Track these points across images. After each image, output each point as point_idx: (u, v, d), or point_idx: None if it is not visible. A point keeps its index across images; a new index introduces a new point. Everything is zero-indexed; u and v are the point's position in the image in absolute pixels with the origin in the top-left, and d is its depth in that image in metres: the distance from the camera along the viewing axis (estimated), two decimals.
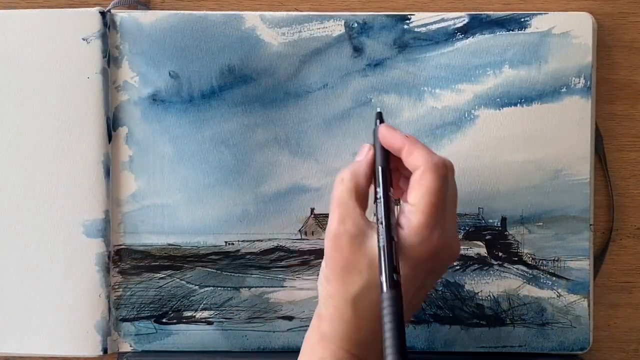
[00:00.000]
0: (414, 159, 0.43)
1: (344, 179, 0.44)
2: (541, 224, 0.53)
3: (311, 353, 0.44)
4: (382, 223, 0.41)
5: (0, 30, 0.52)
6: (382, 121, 0.46)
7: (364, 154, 0.45)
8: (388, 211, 0.42)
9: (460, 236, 0.53)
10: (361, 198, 0.43)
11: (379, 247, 0.41)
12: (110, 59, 0.53)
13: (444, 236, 0.42)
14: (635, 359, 0.55)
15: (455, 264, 0.53)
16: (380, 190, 0.43)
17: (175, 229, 0.53)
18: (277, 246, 0.53)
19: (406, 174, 0.45)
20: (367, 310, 0.42)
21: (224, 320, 0.53)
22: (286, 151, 0.53)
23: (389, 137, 0.44)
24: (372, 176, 0.44)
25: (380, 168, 0.44)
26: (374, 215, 0.43)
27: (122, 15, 0.53)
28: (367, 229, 0.42)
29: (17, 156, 0.52)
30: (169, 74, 0.53)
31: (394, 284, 0.39)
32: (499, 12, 0.53)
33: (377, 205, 0.43)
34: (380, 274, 0.40)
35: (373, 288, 0.41)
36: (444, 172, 0.43)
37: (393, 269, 0.40)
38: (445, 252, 0.43)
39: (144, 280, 0.53)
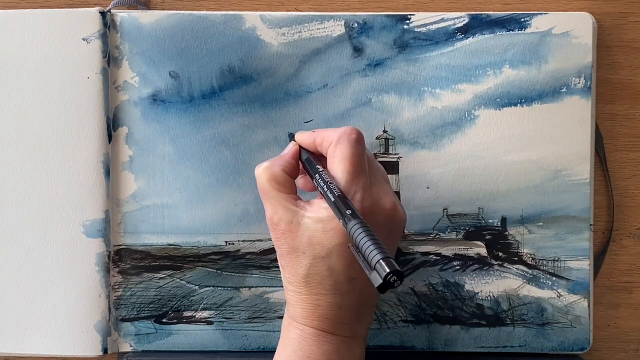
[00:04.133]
0: (327, 141, 0.45)
1: (260, 171, 0.46)
2: (541, 224, 0.53)
3: (284, 335, 0.47)
4: (325, 185, 0.43)
5: (0, 30, 0.52)
6: (292, 135, 0.49)
7: (287, 150, 0.48)
8: (328, 176, 0.44)
9: (461, 236, 0.53)
10: (280, 184, 0.45)
11: (329, 204, 0.42)
12: (110, 59, 0.53)
13: (370, 197, 0.44)
14: (635, 359, 0.55)
15: (455, 263, 0.53)
16: (314, 165, 0.46)
17: (175, 229, 0.53)
18: None
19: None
20: (320, 286, 0.44)
21: (224, 320, 0.53)
22: None
23: (300, 138, 0.48)
24: (292, 168, 0.47)
25: (305, 159, 0.47)
26: (319, 193, 0.44)
27: (122, 15, 0.53)
28: (299, 210, 0.44)
29: (17, 156, 0.52)
30: (169, 74, 0.53)
31: (355, 215, 0.40)
32: (499, 12, 0.53)
33: (315, 178, 0.44)
34: (340, 218, 0.41)
35: (318, 264, 0.44)
36: (355, 137, 0.45)
37: (349, 207, 0.41)
38: (378, 214, 0.44)
39: (144, 280, 0.53)
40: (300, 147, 0.48)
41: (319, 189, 0.44)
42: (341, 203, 0.42)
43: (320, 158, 0.47)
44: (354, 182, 0.44)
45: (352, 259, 0.42)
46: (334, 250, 0.43)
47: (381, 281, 0.37)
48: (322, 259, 0.43)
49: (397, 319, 0.53)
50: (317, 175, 0.44)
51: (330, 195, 0.42)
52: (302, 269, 0.44)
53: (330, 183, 0.43)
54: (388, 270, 0.37)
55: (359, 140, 0.45)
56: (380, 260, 0.37)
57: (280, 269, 0.46)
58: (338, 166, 0.44)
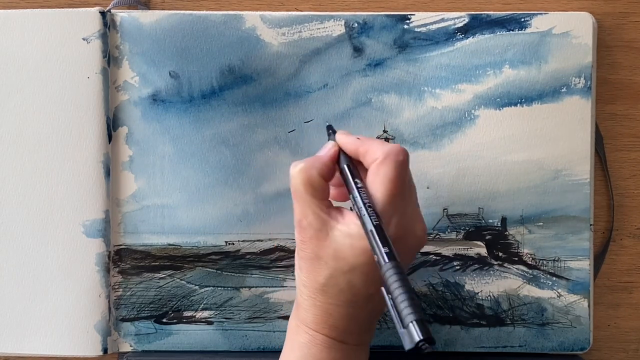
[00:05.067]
0: (371, 154, 0.44)
1: (297, 172, 0.44)
2: (541, 224, 0.53)
3: (292, 338, 0.46)
4: (364, 208, 0.42)
5: (0, 30, 0.52)
6: (334, 131, 0.47)
7: (325, 150, 0.46)
8: (367, 197, 0.42)
9: (460, 236, 0.53)
10: (315, 190, 0.43)
11: (365, 228, 0.41)
12: (110, 59, 0.53)
13: (405, 223, 0.43)
14: (635, 359, 0.55)
15: (455, 263, 0.53)
16: (351, 180, 0.44)
17: (175, 229, 0.53)
18: (277, 246, 0.53)
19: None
20: (336, 297, 0.43)
21: (224, 320, 0.53)
22: (286, 151, 0.53)
23: (344, 141, 0.46)
24: (329, 171, 0.45)
25: (345, 166, 0.45)
26: (350, 207, 0.43)
27: (122, 15, 0.53)
28: (330, 220, 0.43)
29: (17, 156, 0.52)
30: (169, 74, 0.53)
31: (392, 256, 0.39)
32: (499, 12, 0.53)
33: (353, 194, 0.43)
34: (375, 253, 0.40)
35: (339, 277, 0.43)
36: (401, 158, 0.43)
37: (387, 244, 0.40)
38: (408, 239, 0.44)
39: (144, 280, 0.53)
40: (340, 150, 0.46)
41: (355, 208, 0.42)
42: (378, 237, 0.40)
43: (358, 164, 0.45)
44: (393, 206, 0.42)
45: (373, 277, 0.42)
46: (358, 268, 0.42)
47: (412, 346, 0.35)
48: (344, 273, 0.43)
49: None
50: (355, 191, 0.43)
51: (367, 222, 0.41)
52: (321, 277, 0.43)
53: (368, 206, 0.41)
54: (422, 338, 0.35)
55: (405, 163, 0.43)
56: (414, 322, 0.36)
57: (297, 269, 0.45)
58: (379, 187, 0.42)
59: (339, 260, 0.43)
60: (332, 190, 0.47)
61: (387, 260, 0.39)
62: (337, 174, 0.46)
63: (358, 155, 0.45)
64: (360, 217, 0.42)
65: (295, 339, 0.45)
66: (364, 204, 0.42)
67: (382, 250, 0.39)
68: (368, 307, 0.44)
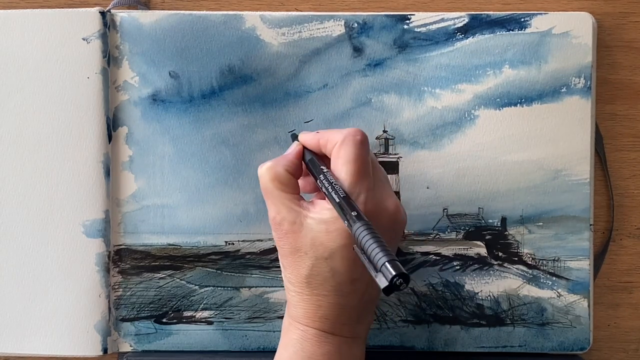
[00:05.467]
0: (331, 142, 0.45)
1: (263, 170, 0.45)
2: (541, 224, 0.53)
3: (285, 335, 0.46)
4: (330, 185, 0.43)
5: (0, 30, 0.52)
6: (296, 136, 0.49)
7: (290, 150, 0.48)
8: (332, 177, 0.44)
9: (460, 236, 0.53)
10: (283, 184, 0.45)
11: (334, 205, 0.42)
12: (110, 59, 0.53)
13: (374, 199, 0.44)
14: (635, 359, 0.55)
15: (455, 263, 0.53)
16: (318, 166, 0.45)
17: (175, 229, 0.53)
18: None
19: None
20: (322, 287, 0.44)
21: (224, 320, 0.53)
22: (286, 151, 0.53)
23: (304, 138, 0.47)
24: (296, 167, 0.46)
25: (309, 159, 0.47)
26: (321, 189, 0.44)
27: (122, 15, 0.53)
28: (302, 210, 0.44)
29: (17, 156, 0.52)
30: (169, 74, 0.53)
31: (360, 217, 0.40)
32: (499, 12, 0.53)
33: (319, 179, 0.44)
34: (345, 220, 0.41)
35: (320, 265, 0.43)
36: (359, 138, 0.44)
37: (354, 209, 0.41)
38: (382, 215, 0.44)
39: (144, 280, 0.53)
40: (304, 147, 0.48)
41: (323, 189, 0.44)
42: (346, 204, 0.41)
43: (324, 159, 0.47)
44: (358, 183, 0.43)
45: (355, 260, 0.42)
46: (337, 252, 0.43)
47: (387, 284, 0.37)
48: (324, 260, 0.43)
49: (397, 319, 0.53)
50: (321, 176, 0.44)
51: (334, 196, 0.42)
52: (304, 269, 0.44)
53: (334, 184, 0.43)
54: (394, 273, 0.36)
55: (363, 142, 0.45)
56: (386, 263, 0.37)
57: (282, 268, 0.46)
58: (342, 167, 0.44)
59: (317, 247, 0.43)
60: (302, 182, 0.48)
61: (355, 220, 0.40)
62: (305, 170, 0.47)
63: (320, 148, 0.46)
64: (329, 196, 0.43)
65: (288, 337, 0.46)
66: (330, 182, 0.43)
67: (351, 213, 0.40)
68: (357, 294, 0.45)
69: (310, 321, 0.45)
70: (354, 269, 0.43)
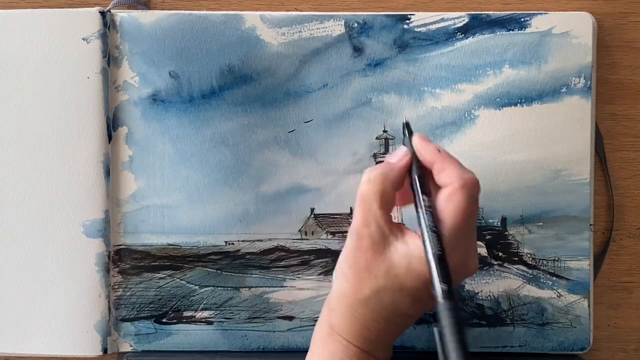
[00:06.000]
0: (446, 176, 0.42)
1: (371, 180, 0.43)
2: (541, 224, 0.53)
3: (322, 345, 0.45)
4: (431, 231, 0.41)
5: (0, 30, 0.52)
6: (410, 131, 0.46)
7: (399, 158, 0.44)
8: (434, 220, 0.41)
9: None
10: (386, 202, 0.43)
11: (427, 256, 0.41)
12: (110, 59, 0.53)
13: (463, 257, 0.43)
14: (635, 359, 0.55)
15: None
16: (421, 198, 0.43)
17: (175, 229, 0.53)
18: (277, 246, 0.53)
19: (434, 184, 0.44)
20: (377, 312, 0.43)
21: (224, 320, 0.53)
22: (286, 151, 0.53)
23: (421, 149, 0.44)
24: (401, 181, 0.44)
25: (416, 177, 0.44)
26: (418, 222, 0.42)
27: (122, 15, 0.53)
28: (390, 235, 0.43)
29: (17, 156, 0.52)
30: (169, 74, 0.53)
31: (450, 295, 0.39)
32: (499, 12, 0.53)
33: (419, 213, 0.42)
34: (434, 283, 0.40)
35: (386, 293, 0.42)
36: (474, 192, 0.42)
37: (448, 279, 0.40)
38: (461, 273, 0.43)
39: (144, 280, 0.53)
40: (413, 156, 0.44)
41: (420, 228, 0.41)
42: (440, 268, 0.40)
43: (428, 174, 0.44)
44: (457, 239, 0.41)
45: (420, 300, 0.42)
46: (408, 290, 0.42)
47: None
48: (392, 291, 0.42)
49: None
50: (423, 212, 0.42)
51: (430, 248, 0.40)
52: (367, 290, 0.43)
53: (434, 231, 0.41)
54: None
55: (477, 198, 0.42)
56: None
57: (340, 276, 0.44)
58: (449, 216, 0.41)
59: (391, 278, 0.42)
60: (397, 199, 0.46)
61: (444, 298, 0.39)
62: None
63: (432, 167, 0.43)
64: (424, 241, 0.41)
65: (327, 346, 0.44)
66: (430, 228, 0.41)
67: (441, 286, 0.39)
68: (402, 326, 0.44)
69: (354, 339, 0.43)
70: (413, 307, 0.43)
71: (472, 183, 0.42)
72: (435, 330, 0.39)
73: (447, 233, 0.41)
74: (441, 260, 0.40)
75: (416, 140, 0.44)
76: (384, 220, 0.43)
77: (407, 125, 0.46)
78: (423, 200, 0.42)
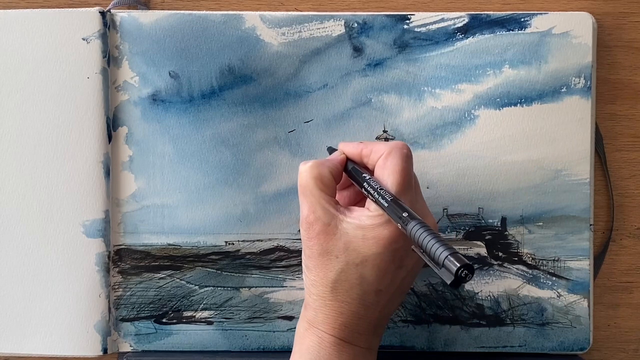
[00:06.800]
0: (376, 152, 0.45)
1: (307, 168, 0.45)
2: (541, 224, 0.53)
3: (300, 341, 0.45)
4: (378, 190, 0.42)
5: (0, 30, 0.52)
6: (334, 149, 0.48)
7: (335, 155, 0.47)
8: (378, 184, 0.43)
9: (460, 236, 0.53)
10: (325, 185, 0.44)
11: (384, 208, 0.42)
12: (110, 59, 0.53)
13: (418, 214, 0.43)
14: (635, 359, 0.55)
15: None
16: (362, 174, 0.45)
17: (175, 229, 0.53)
18: (277, 246, 0.53)
19: None
20: (347, 293, 0.43)
21: (224, 320, 0.53)
22: (286, 151, 0.53)
23: (346, 148, 0.47)
24: (338, 173, 0.46)
25: (352, 167, 0.46)
26: (366, 196, 0.44)
27: (122, 15, 0.53)
28: (338, 214, 0.44)
29: (17, 156, 0.52)
30: (169, 74, 0.53)
31: (413, 216, 0.40)
32: (499, 12, 0.53)
33: (365, 186, 0.44)
34: (397, 222, 0.41)
35: (350, 271, 0.43)
36: (406, 151, 0.44)
37: (405, 209, 0.41)
38: None
39: (144, 280, 0.53)
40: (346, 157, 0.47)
41: (369, 196, 0.43)
42: (396, 206, 0.41)
43: (364, 170, 0.46)
44: (403, 194, 0.43)
45: (384, 269, 0.42)
46: (370, 259, 0.43)
47: (453, 277, 0.37)
48: (355, 266, 0.43)
49: (397, 319, 0.54)
50: (365, 183, 0.44)
51: (383, 200, 0.42)
52: (332, 273, 0.43)
53: (380, 189, 0.42)
54: (459, 265, 0.36)
55: (409, 156, 0.44)
56: (449, 256, 0.37)
57: (305, 270, 0.45)
58: (388, 178, 0.43)
59: (350, 252, 0.43)
60: (338, 195, 0.47)
61: (409, 220, 0.40)
62: (342, 180, 0.47)
63: (362, 157, 0.46)
64: (376, 201, 0.42)
65: (304, 342, 0.45)
66: (375, 188, 0.43)
67: (403, 214, 0.40)
68: (379, 306, 0.44)
69: (330, 328, 0.44)
70: (382, 280, 0.43)
71: (399, 145, 0.44)
72: (416, 249, 0.39)
73: (392, 193, 0.43)
74: (395, 201, 0.41)
75: (341, 144, 0.47)
76: (327, 202, 0.44)
77: (329, 149, 0.49)
78: (364, 175, 0.44)
